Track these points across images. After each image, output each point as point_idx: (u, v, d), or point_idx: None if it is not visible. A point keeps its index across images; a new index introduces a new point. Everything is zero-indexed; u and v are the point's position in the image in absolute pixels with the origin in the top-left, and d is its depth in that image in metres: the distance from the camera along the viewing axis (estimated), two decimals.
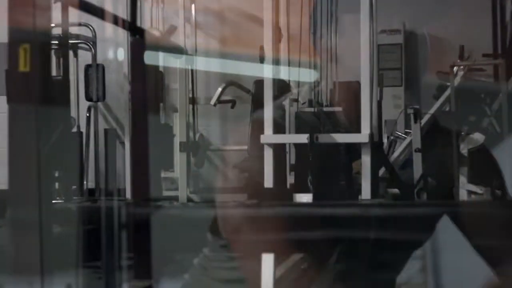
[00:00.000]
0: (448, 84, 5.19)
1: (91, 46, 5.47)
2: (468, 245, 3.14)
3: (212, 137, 6.79)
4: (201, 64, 6.15)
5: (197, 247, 3.56)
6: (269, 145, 3.89)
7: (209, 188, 6.33)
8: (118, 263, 3.02)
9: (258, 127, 4.10)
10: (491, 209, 3.38)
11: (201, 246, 3.57)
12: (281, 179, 4.25)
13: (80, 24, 5.39)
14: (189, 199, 4.94)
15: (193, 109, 5.67)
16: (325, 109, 4.21)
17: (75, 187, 4.65)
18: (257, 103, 4.46)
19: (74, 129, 5.30)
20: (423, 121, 4.92)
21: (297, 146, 4.21)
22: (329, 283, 3.85)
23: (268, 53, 3.93)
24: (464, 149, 4.46)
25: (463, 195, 4.44)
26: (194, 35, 6.04)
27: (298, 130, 4.20)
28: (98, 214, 3.09)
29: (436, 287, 3.42)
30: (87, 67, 4.44)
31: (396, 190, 4.55)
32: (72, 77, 5.20)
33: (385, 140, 5.38)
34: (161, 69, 5.79)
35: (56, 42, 3.81)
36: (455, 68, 5.19)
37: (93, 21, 5.22)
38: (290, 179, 4.52)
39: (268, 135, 3.89)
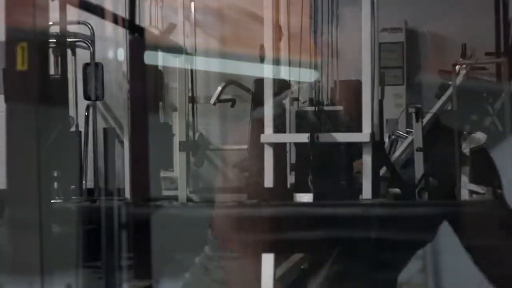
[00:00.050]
0: (450, 82, 5.18)
1: (89, 45, 5.45)
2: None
3: (212, 137, 6.77)
4: (201, 63, 6.13)
5: (197, 247, 3.55)
6: (269, 144, 3.87)
7: (209, 188, 6.32)
8: (118, 263, 3.01)
9: (258, 126, 4.09)
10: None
11: (201, 245, 3.56)
12: (281, 178, 4.23)
13: (78, 22, 5.37)
14: (189, 199, 4.92)
15: (192, 108, 5.65)
16: (325, 108, 4.19)
17: (74, 186, 4.63)
18: (257, 102, 4.44)
19: (73, 128, 5.28)
20: (425, 120, 4.92)
21: (298, 145, 4.20)
22: (329, 283, 3.84)
23: (268, 51, 3.91)
24: (466, 148, 4.45)
25: (464, 195, 4.43)
26: (194, 33, 6.02)
27: (299, 129, 4.18)
28: (97, 214, 3.08)
29: (436, 287, 3.41)
30: (86, 66, 4.42)
31: (397, 190, 4.55)
32: (70, 76, 5.19)
33: (386, 139, 5.38)
34: (160, 68, 5.78)
35: (54, 40, 3.79)
36: (457, 67, 5.18)
37: (92, 19, 5.20)
38: (291, 178, 4.51)
39: (268, 134, 3.87)
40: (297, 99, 4.58)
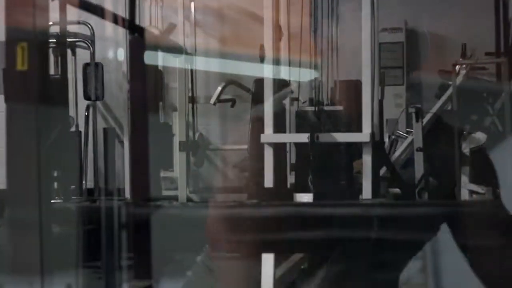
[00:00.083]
0: (450, 82, 5.18)
1: (89, 45, 5.45)
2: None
3: (212, 137, 6.77)
4: (201, 63, 6.13)
5: (197, 247, 3.54)
6: (269, 144, 3.87)
7: (209, 188, 6.32)
8: (118, 263, 3.01)
9: (258, 126, 4.08)
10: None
11: (201, 245, 3.55)
12: (281, 178, 4.23)
13: (78, 22, 5.36)
14: (189, 199, 4.92)
15: (192, 108, 5.65)
16: (325, 108, 4.19)
17: (74, 186, 4.63)
18: (257, 102, 4.44)
19: (73, 128, 5.28)
20: (425, 120, 4.91)
21: (298, 145, 4.19)
22: (329, 283, 3.83)
23: (268, 51, 3.91)
24: (466, 149, 4.45)
25: (464, 195, 4.43)
26: (194, 33, 6.02)
27: (299, 129, 4.18)
28: (97, 214, 3.08)
29: (436, 287, 3.41)
30: (86, 66, 4.42)
31: (397, 190, 4.54)
32: (70, 76, 5.19)
33: (386, 139, 5.38)
34: (160, 68, 5.78)
35: (54, 40, 3.79)
36: (457, 67, 5.18)
37: (92, 19, 5.20)
38: (291, 178, 4.51)
39: (268, 134, 3.87)
40: (297, 99, 4.58)
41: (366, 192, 3.71)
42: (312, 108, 4.17)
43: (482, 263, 2.96)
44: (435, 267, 3.31)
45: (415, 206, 3.95)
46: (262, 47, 3.96)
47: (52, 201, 2.50)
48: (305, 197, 3.84)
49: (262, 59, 3.99)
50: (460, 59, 5.39)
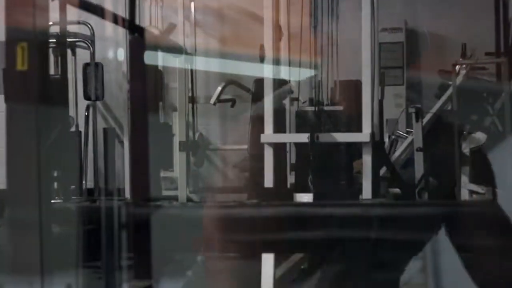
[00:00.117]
0: (450, 82, 5.18)
1: (89, 45, 5.45)
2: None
3: (212, 137, 6.77)
4: (201, 63, 6.13)
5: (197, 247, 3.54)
6: (269, 144, 3.87)
7: (209, 188, 6.32)
8: (118, 263, 3.00)
9: (258, 126, 4.08)
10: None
11: (201, 245, 3.55)
12: (281, 178, 4.23)
13: (78, 22, 5.36)
14: (189, 199, 4.92)
15: (192, 108, 5.65)
16: (325, 108, 4.19)
17: (74, 186, 4.63)
18: (257, 102, 4.44)
19: (73, 128, 5.28)
20: (425, 120, 4.92)
21: (298, 145, 4.19)
22: (329, 283, 3.83)
23: (268, 51, 3.91)
24: (466, 149, 4.45)
25: (464, 195, 4.43)
26: (194, 33, 6.02)
27: (299, 129, 4.18)
28: (97, 214, 3.08)
29: (436, 287, 3.41)
30: (86, 66, 4.41)
31: (397, 190, 4.55)
32: (70, 76, 5.19)
33: (386, 140, 5.38)
34: (160, 68, 5.78)
35: (54, 40, 3.79)
36: (457, 67, 5.18)
37: (92, 19, 5.20)
38: (291, 178, 4.51)
39: (268, 134, 3.87)
40: (297, 99, 4.58)
41: (366, 192, 3.71)
42: (312, 108, 4.17)
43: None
44: (435, 267, 3.31)
45: (415, 206, 3.95)
46: (262, 47, 3.96)
47: (52, 201, 2.49)
48: (305, 197, 3.84)
49: (262, 59, 3.99)
50: (460, 59, 5.39)
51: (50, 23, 2.38)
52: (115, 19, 3.35)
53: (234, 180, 6.29)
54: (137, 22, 3.58)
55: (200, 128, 6.35)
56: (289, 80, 4.36)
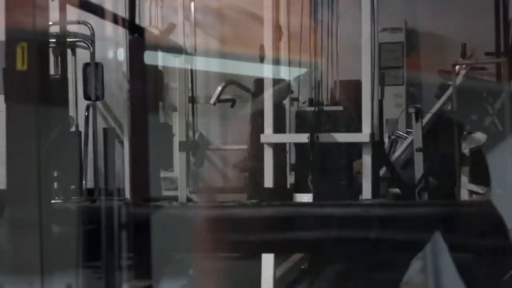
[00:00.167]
0: (450, 83, 5.18)
1: (89, 45, 5.45)
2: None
3: (212, 137, 6.78)
4: (201, 63, 6.14)
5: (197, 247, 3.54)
6: (269, 144, 3.87)
7: (209, 188, 6.31)
8: (118, 263, 3.00)
9: (258, 126, 4.08)
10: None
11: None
12: (281, 178, 4.23)
13: (78, 22, 5.37)
14: (189, 199, 4.92)
15: (192, 108, 5.65)
16: (325, 108, 4.19)
17: (74, 186, 4.62)
18: (257, 102, 4.44)
19: (73, 128, 5.28)
20: (425, 120, 4.92)
21: (298, 145, 4.19)
22: (329, 283, 3.84)
23: (268, 51, 3.90)
24: (465, 149, 4.45)
25: (464, 195, 4.43)
26: (194, 33, 6.02)
27: (299, 130, 4.18)
28: (97, 214, 3.07)
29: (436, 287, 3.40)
30: (86, 66, 4.40)
31: (397, 190, 4.55)
32: (70, 76, 5.20)
33: (386, 140, 5.38)
34: (160, 68, 5.78)
35: (54, 40, 3.78)
36: (457, 67, 5.18)
37: (92, 19, 5.20)
38: (291, 178, 4.51)
39: (268, 135, 3.87)
40: (297, 99, 4.59)
41: (366, 192, 3.71)
42: (312, 108, 4.17)
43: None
44: (435, 267, 3.30)
45: (415, 206, 3.95)
46: (262, 47, 3.96)
47: (52, 201, 2.49)
48: (305, 197, 3.84)
49: (262, 59, 3.99)
50: (460, 59, 5.39)
51: (50, 23, 2.38)
52: (115, 19, 3.34)
53: (234, 180, 6.29)
54: (137, 22, 3.58)
55: (200, 128, 6.36)
56: (289, 80, 4.36)
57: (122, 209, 3.03)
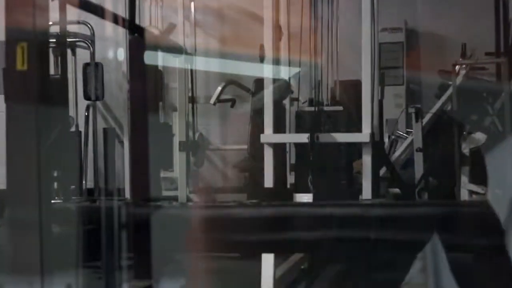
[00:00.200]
0: (450, 83, 5.18)
1: (89, 45, 5.45)
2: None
3: (212, 137, 6.78)
4: (201, 63, 6.13)
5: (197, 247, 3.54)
6: (269, 144, 3.87)
7: (209, 188, 6.31)
8: (118, 263, 3.00)
9: (258, 126, 4.08)
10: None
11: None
12: (281, 178, 4.23)
13: (78, 22, 5.36)
14: (189, 199, 4.92)
15: (192, 108, 5.65)
16: (325, 108, 4.19)
17: (74, 186, 4.62)
18: (257, 102, 4.44)
19: (73, 128, 5.27)
20: (425, 120, 4.92)
21: (298, 145, 4.19)
22: (329, 283, 3.84)
23: (268, 51, 3.90)
24: (465, 149, 4.45)
25: (464, 195, 4.43)
26: (194, 33, 6.02)
27: (299, 130, 4.19)
28: (97, 214, 3.07)
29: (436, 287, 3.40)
30: (86, 66, 4.40)
31: (397, 190, 4.55)
32: (70, 76, 5.19)
33: (386, 140, 5.38)
34: (160, 68, 5.78)
35: (54, 40, 3.78)
36: (457, 67, 5.18)
37: (92, 19, 5.20)
38: (291, 178, 4.51)
39: (268, 135, 3.87)
40: (297, 99, 4.59)
41: (366, 192, 3.71)
42: (312, 108, 4.17)
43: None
44: (435, 267, 3.30)
45: (415, 206, 3.95)
46: (262, 47, 3.96)
47: (52, 201, 2.49)
48: (305, 197, 3.84)
49: (262, 59, 3.99)
50: (460, 59, 5.39)
51: (50, 23, 2.38)
52: (115, 19, 3.34)
53: (234, 180, 6.29)
54: (137, 22, 3.58)
55: (200, 128, 6.35)
56: (289, 80, 4.36)
57: (122, 209, 3.02)
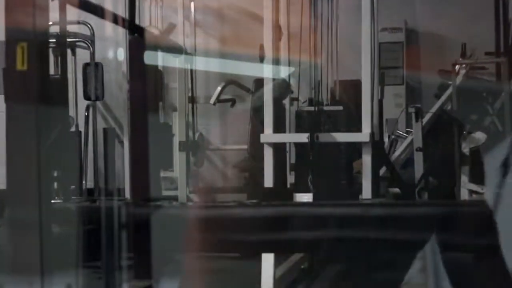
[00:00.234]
0: (450, 82, 5.19)
1: (89, 45, 5.44)
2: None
3: (212, 137, 6.78)
4: (201, 63, 6.13)
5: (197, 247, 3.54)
6: (269, 144, 3.87)
7: (209, 188, 6.31)
8: (118, 263, 3.00)
9: (258, 126, 4.08)
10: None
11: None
12: (281, 178, 4.23)
13: (78, 22, 5.36)
14: (189, 199, 4.92)
15: (192, 108, 5.65)
16: (325, 108, 4.19)
17: (74, 187, 4.62)
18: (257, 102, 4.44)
19: (73, 128, 5.27)
20: (425, 120, 4.92)
21: (298, 145, 4.19)
22: (329, 283, 3.84)
23: (268, 51, 3.91)
24: (465, 148, 4.45)
25: (464, 195, 4.43)
26: (194, 33, 6.02)
27: (298, 129, 4.19)
28: (97, 214, 3.07)
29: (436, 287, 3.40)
30: (86, 66, 4.41)
31: (397, 190, 4.55)
32: (70, 76, 5.19)
33: (386, 139, 5.38)
34: (160, 68, 5.78)
35: (54, 40, 3.79)
36: (457, 67, 5.18)
37: (92, 19, 5.20)
38: (291, 178, 4.51)
39: (268, 134, 3.87)
40: (297, 99, 4.59)
41: (366, 192, 3.71)
42: (312, 108, 4.17)
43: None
44: (435, 267, 3.30)
45: (415, 206, 3.95)
46: (262, 47, 3.96)
47: (52, 201, 2.49)
48: (305, 197, 3.84)
49: (262, 59, 3.99)
50: (460, 59, 5.39)
51: (50, 23, 2.38)
52: (115, 19, 3.34)
53: (234, 180, 6.29)
54: (137, 22, 3.58)
55: (200, 128, 6.35)
56: (289, 80, 4.36)
57: (122, 209, 3.02)
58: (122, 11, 3.36)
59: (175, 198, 4.73)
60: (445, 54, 6.33)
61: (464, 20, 6.48)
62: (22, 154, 2.20)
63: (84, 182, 5.16)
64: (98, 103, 5.69)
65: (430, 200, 4.48)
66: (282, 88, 4.20)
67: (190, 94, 5.56)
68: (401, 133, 5.62)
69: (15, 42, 2.17)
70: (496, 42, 5.99)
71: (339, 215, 3.15)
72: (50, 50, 2.87)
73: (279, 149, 4.11)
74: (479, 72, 5.82)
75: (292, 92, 4.49)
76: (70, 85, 5.11)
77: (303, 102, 4.67)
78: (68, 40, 4.88)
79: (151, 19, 6.18)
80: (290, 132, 4.38)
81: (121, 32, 3.75)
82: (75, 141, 4.98)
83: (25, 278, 2.16)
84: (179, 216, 3.24)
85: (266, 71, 3.94)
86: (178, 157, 5.01)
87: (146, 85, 3.45)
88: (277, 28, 4.02)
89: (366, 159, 3.74)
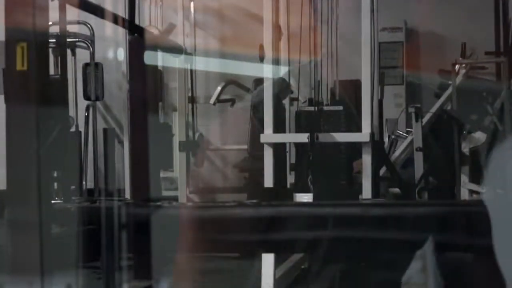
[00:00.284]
0: (450, 82, 5.18)
1: (89, 45, 5.44)
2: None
3: (212, 137, 6.77)
4: (201, 63, 6.13)
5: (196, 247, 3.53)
6: (269, 144, 3.87)
7: (209, 188, 6.32)
8: (118, 263, 3.00)
9: (258, 126, 4.08)
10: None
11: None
12: (281, 178, 4.23)
13: (78, 23, 5.36)
14: (189, 199, 4.92)
15: (192, 108, 5.65)
16: (325, 108, 4.19)
17: (74, 187, 4.62)
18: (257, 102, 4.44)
19: (73, 129, 5.27)
20: (424, 120, 4.92)
21: (297, 145, 4.19)
22: (329, 283, 3.84)
23: (268, 51, 3.91)
24: (465, 148, 4.45)
25: (464, 194, 4.43)
26: (194, 33, 6.02)
27: (298, 129, 4.19)
28: (97, 214, 3.07)
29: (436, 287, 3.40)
30: (85, 66, 4.41)
31: (397, 190, 4.55)
32: (70, 76, 5.19)
33: (386, 139, 5.38)
34: (160, 68, 5.77)
35: (54, 40, 3.79)
36: (457, 66, 5.18)
37: (92, 19, 5.20)
38: (291, 178, 4.51)
39: (268, 134, 3.87)
40: (297, 99, 4.59)
41: (366, 192, 3.71)
42: (312, 108, 4.17)
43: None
44: (435, 267, 3.30)
45: (415, 206, 3.95)
46: (262, 47, 3.96)
47: (52, 201, 2.49)
48: (305, 197, 3.84)
49: (262, 59, 3.99)
50: (460, 59, 5.39)
51: (50, 23, 2.38)
52: (115, 19, 3.35)
53: (234, 180, 6.29)
54: (137, 22, 3.59)
55: (200, 128, 6.35)
56: (289, 80, 4.36)
57: (122, 209, 3.02)
58: (122, 11, 3.37)
59: (175, 198, 4.73)
60: (445, 54, 6.33)
61: (464, 20, 6.48)
62: (22, 154, 2.20)
63: (84, 182, 5.15)
64: (98, 103, 5.69)
65: (430, 200, 4.48)
66: (282, 88, 4.20)
67: (190, 94, 5.56)
68: (401, 133, 5.62)
69: (15, 42, 2.18)
70: (496, 42, 5.99)
71: (339, 215, 3.15)
72: (50, 50, 2.87)
73: (279, 149, 4.11)
74: (479, 72, 5.82)
75: (292, 92, 4.49)
76: (70, 85, 5.10)
77: (303, 102, 4.67)
78: (68, 40, 4.87)
79: (151, 19, 6.18)
80: (290, 132, 4.38)
81: (121, 32, 3.76)
82: (75, 141, 4.98)
83: (25, 278, 2.16)
84: (179, 216, 3.24)
85: (266, 71, 3.94)
86: (178, 157, 5.01)
87: (146, 85, 3.45)
88: (277, 28, 4.02)
89: (366, 159, 3.74)
